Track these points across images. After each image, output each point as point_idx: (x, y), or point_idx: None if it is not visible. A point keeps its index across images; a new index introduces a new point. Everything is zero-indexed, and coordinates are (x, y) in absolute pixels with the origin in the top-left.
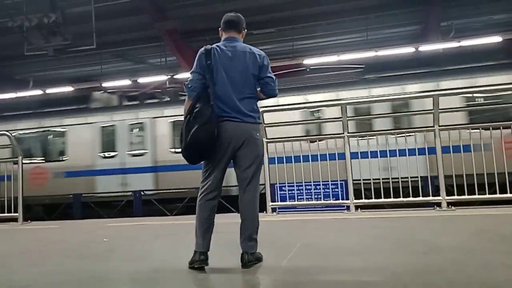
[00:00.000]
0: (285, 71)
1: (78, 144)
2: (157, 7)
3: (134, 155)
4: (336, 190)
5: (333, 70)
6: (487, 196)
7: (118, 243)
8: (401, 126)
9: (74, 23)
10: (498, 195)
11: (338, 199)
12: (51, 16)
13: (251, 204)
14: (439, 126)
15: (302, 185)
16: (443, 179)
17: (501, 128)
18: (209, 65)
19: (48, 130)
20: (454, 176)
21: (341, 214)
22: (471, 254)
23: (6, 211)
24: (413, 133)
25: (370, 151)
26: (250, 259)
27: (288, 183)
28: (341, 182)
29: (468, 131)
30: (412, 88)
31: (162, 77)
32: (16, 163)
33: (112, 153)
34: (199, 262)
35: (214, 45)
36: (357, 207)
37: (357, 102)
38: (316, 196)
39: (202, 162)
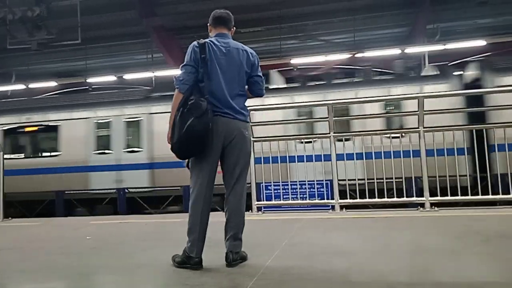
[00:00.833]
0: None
1: None
2: (145, 2)
3: None
4: (322, 189)
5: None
6: (469, 197)
7: (102, 240)
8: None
9: (59, 17)
10: (480, 197)
11: (323, 199)
12: (36, 9)
13: (239, 204)
14: (424, 127)
15: (287, 184)
16: (427, 180)
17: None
18: (204, 59)
19: None
20: (437, 177)
21: (326, 214)
22: (455, 255)
23: None
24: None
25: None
26: (235, 258)
27: (274, 182)
28: (326, 182)
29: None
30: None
31: (148, 74)
32: None
33: None
34: (198, 268)
35: (207, 40)
36: (342, 207)
37: (344, 103)
38: (301, 196)
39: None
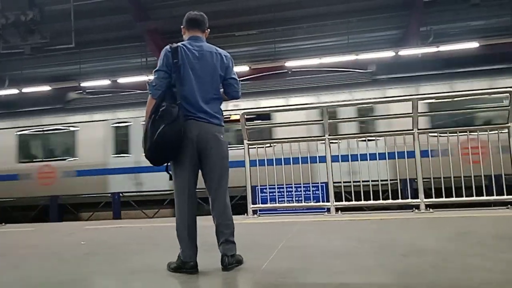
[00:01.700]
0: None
1: None
2: (139, 6)
3: None
4: (317, 192)
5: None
6: (464, 198)
7: (97, 245)
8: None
9: (52, 21)
10: (475, 198)
11: (319, 201)
12: (29, 13)
13: (224, 208)
14: (418, 129)
15: (283, 187)
16: (422, 182)
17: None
18: (176, 64)
19: None
20: (432, 178)
21: (322, 216)
22: (450, 256)
23: None
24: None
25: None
26: (231, 261)
27: (269, 185)
28: (321, 184)
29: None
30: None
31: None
32: None
33: None
34: (194, 272)
35: (179, 44)
36: (337, 209)
37: (338, 105)
38: (297, 198)
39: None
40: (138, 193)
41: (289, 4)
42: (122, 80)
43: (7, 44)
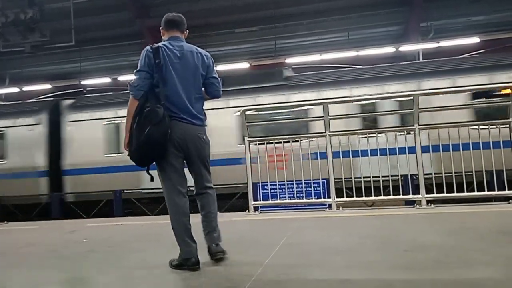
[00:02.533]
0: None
1: None
2: (139, 3)
3: None
4: (318, 188)
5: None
6: (465, 194)
7: (98, 243)
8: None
9: (52, 19)
10: (476, 193)
11: (320, 198)
12: (28, 11)
13: (213, 203)
14: (419, 125)
15: (284, 184)
16: (423, 178)
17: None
18: (158, 64)
19: None
20: (433, 174)
21: (323, 213)
22: (452, 251)
23: None
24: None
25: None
26: (218, 250)
27: (270, 182)
28: (322, 180)
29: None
30: None
31: None
32: None
33: None
34: (197, 267)
35: (160, 44)
36: (338, 206)
37: (340, 101)
38: (298, 195)
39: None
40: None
41: (289, 1)
42: (122, 78)
43: (7, 43)
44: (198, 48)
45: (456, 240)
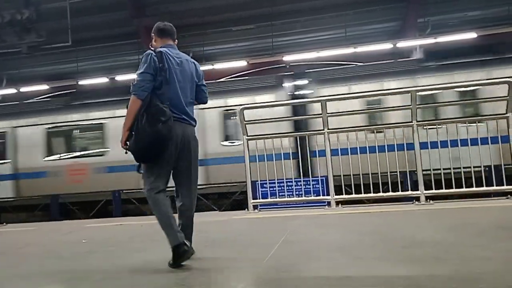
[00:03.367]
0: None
1: None
2: (135, 2)
3: None
4: (317, 186)
5: None
6: (464, 189)
7: (97, 243)
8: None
9: (48, 19)
10: (474, 189)
11: (319, 195)
12: (25, 12)
13: (194, 201)
14: (417, 121)
15: (283, 182)
16: (422, 174)
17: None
18: (162, 68)
19: None
20: (432, 170)
21: (322, 210)
22: (451, 247)
23: None
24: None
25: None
26: (193, 251)
27: (269, 180)
28: (321, 178)
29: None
30: None
31: None
32: None
33: None
34: (189, 252)
35: (162, 49)
36: (337, 203)
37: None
38: (297, 193)
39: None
40: None
41: None
42: (119, 78)
43: (3, 43)
44: (191, 58)
45: (455, 235)
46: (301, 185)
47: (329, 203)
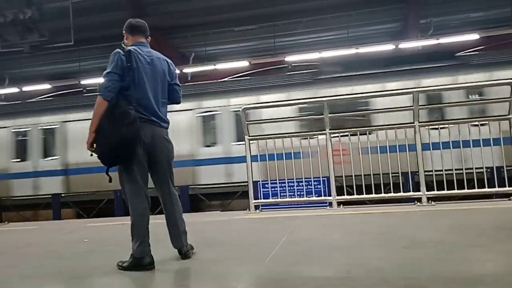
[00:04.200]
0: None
1: None
2: (137, 2)
3: None
4: (319, 187)
5: None
6: (466, 191)
7: (98, 243)
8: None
9: (51, 19)
10: (476, 190)
11: (321, 196)
12: (27, 11)
13: (177, 203)
14: (419, 122)
15: (285, 182)
16: (423, 175)
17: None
18: (130, 67)
19: None
20: (433, 171)
21: (324, 211)
22: (452, 248)
23: None
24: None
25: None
26: (188, 249)
27: (271, 180)
28: (323, 178)
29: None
30: None
31: None
32: None
33: None
34: (150, 267)
35: (131, 48)
36: (339, 204)
37: (340, 99)
38: (299, 193)
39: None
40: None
41: None
42: None
43: (6, 43)
44: (163, 55)
45: (457, 236)
46: (302, 185)
47: (330, 204)
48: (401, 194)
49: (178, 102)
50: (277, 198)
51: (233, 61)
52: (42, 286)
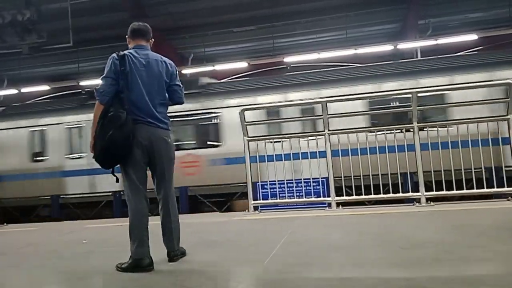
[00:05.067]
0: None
1: None
2: (136, 3)
3: None
4: (318, 187)
5: None
6: (464, 191)
7: (97, 244)
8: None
9: (49, 20)
10: (475, 190)
11: (320, 197)
12: (26, 12)
13: (175, 206)
14: (418, 123)
15: (284, 183)
16: (422, 175)
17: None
18: (124, 71)
19: None
20: (432, 172)
21: (323, 211)
22: (451, 248)
23: None
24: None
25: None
26: (177, 253)
27: (270, 181)
28: (322, 179)
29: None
30: None
31: None
32: None
33: None
34: (149, 268)
35: (126, 52)
36: (338, 204)
37: (339, 100)
38: (298, 194)
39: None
40: None
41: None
42: None
43: (4, 44)
44: (163, 57)
45: (456, 237)
46: (301, 186)
47: (329, 205)
48: (400, 194)
49: (180, 103)
50: (277, 199)
51: (232, 62)
52: (42, 286)
